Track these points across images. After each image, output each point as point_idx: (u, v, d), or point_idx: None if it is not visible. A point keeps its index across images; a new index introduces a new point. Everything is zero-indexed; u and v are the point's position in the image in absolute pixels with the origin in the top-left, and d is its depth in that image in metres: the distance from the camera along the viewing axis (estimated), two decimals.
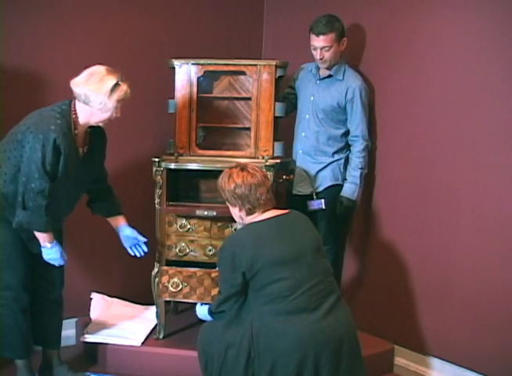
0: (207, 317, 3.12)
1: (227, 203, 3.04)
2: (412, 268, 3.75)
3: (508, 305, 3.32)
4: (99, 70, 3.13)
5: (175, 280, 3.61)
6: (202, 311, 3.16)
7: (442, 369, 3.63)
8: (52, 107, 3.15)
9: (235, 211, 3.02)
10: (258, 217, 2.96)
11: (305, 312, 2.78)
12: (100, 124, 3.22)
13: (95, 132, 3.30)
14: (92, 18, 3.92)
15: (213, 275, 3.55)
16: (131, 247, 3.51)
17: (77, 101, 3.14)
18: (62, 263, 3.26)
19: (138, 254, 3.52)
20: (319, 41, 3.67)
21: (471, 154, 3.44)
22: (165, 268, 3.62)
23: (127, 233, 3.49)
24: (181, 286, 3.60)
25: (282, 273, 2.80)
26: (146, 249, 3.51)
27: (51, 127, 3.03)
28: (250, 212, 2.96)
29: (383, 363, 3.77)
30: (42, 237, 3.16)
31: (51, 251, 3.19)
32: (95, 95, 3.08)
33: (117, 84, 3.09)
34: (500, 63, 3.29)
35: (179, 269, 3.61)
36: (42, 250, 3.20)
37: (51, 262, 3.23)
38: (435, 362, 3.66)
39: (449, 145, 3.53)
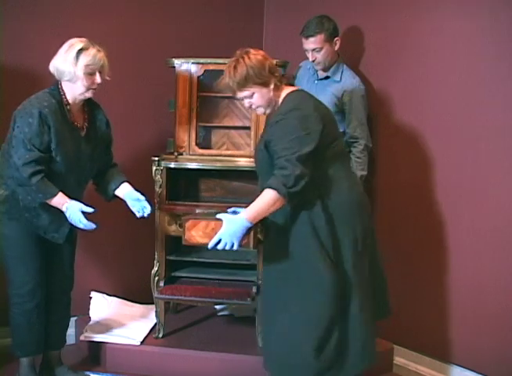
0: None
1: (247, 92, 2.81)
2: (411, 268, 3.75)
3: (508, 305, 3.32)
4: (69, 41, 2.94)
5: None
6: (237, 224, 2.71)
7: (442, 369, 3.63)
8: (43, 90, 3.06)
9: (263, 93, 2.81)
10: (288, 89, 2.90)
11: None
12: (87, 96, 3.00)
13: (95, 113, 3.18)
14: (92, 17, 3.92)
15: None
16: (138, 211, 3.20)
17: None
18: (86, 224, 2.97)
19: (145, 215, 3.20)
20: (308, 44, 3.64)
21: (472, 154, 3.43)
22: None
23: (133, 196, 3.22)
24: None
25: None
26: (149, 208, 3.19)
27: (35, 105, 2.92)
28: (280, 82, 2.84)
29: (382, 363, 3.75)
30: (57, 204, 2.97)
31: (69, 211, 2.96)
32: (63, 68, 2.93)
33: (81, 50, 2.89)
34: (501, 63, 3.29)
35: None
36: (66, 215, 2.99)
37: (75, 222, 2.99)
38: (435, 362, 3.66)
39: (449, 145, 3.53)
